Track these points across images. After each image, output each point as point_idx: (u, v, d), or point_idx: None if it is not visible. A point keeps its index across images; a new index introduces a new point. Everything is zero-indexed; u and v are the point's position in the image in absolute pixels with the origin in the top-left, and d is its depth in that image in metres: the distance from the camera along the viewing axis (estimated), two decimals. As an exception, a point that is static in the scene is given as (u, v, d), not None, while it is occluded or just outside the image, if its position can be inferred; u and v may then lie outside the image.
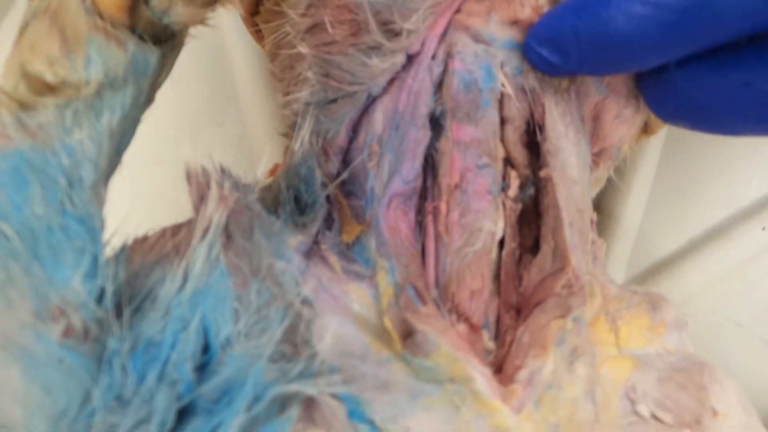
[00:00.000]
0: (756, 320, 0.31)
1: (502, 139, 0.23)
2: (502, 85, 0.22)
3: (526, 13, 0.23)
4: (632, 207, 0.32)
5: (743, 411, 0.22)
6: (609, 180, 0.32)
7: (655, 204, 0.33)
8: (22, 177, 0.16)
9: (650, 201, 0.33)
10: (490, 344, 0.21)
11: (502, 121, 0.23)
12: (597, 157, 0.26)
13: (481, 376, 0.19)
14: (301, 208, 0.23)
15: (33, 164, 0.16)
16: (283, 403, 0.17)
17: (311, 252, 0.22)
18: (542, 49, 0.22)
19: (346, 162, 0.24)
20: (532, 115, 0.23)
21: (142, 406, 0.15)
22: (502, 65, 0.23)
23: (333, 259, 0.22)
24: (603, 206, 0.33)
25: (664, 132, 0.33)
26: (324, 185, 0.23)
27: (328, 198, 0.23)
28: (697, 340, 0.31)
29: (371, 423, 0.18)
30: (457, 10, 0.23)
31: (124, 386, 0.15)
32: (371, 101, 0.23)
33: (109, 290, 0.16)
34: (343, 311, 0.20)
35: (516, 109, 0.23)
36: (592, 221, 0.25)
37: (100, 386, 0.15)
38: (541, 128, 0.23)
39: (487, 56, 0.23)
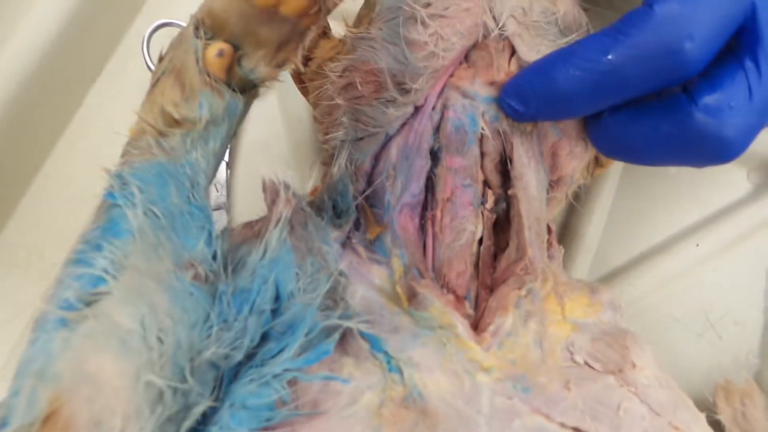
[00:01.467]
0: (691, 318, 0.39)
1: (482, 167, 0.31)
2: (482, 128, 0.31)
3: (501, 77, 0.32)
4: (594, 227, 0.40)
5: (658, 367, 0.30)
6: (573, 205, 0.41)
7: (613, 225, 0.41)
8: (164, 179, 0.25)
9: (608, 222, 0.41)
10: (471, 312, 0.29)
11: (482, 154, 0.31)
12: (555, 183, 0.34)
13: (461, 325, 0.27)
14: (337, 213, 0.31)
15: (169, 172, 0.25)
16: (328, 333, 0.25)
17: (345, 244, 0.30)
18: (510, 101, 0.30)
19: (370, 182, 0.33)
20: (504, 150, 0.32)
21: (239, 328, 0.24)
22: (483, 114, 0.32)
23: (360, 249, 0.30)
24: (570, 225, 0.41)
25: (620, 170, 0.42)
26: (354, 198, 0.31)
27: (357, 207, 0.32)
28: (644, 333, 0.39)
29: (386, 353, 0.26)
30: (451, 75, 0.32)
31: (228, 314, 0.24)
32: (389, 139, 0.32)
33: (219, 254, 0.25)
34: (367, 283, 0.29)
35: (492, 146, 0.31)
36: (550, 230, 0.33)
37: (214, 312, 0.24)
38: (510, 160, 0.31)
39: (472, 108, 0.31)
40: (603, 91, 0.28)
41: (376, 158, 0.33)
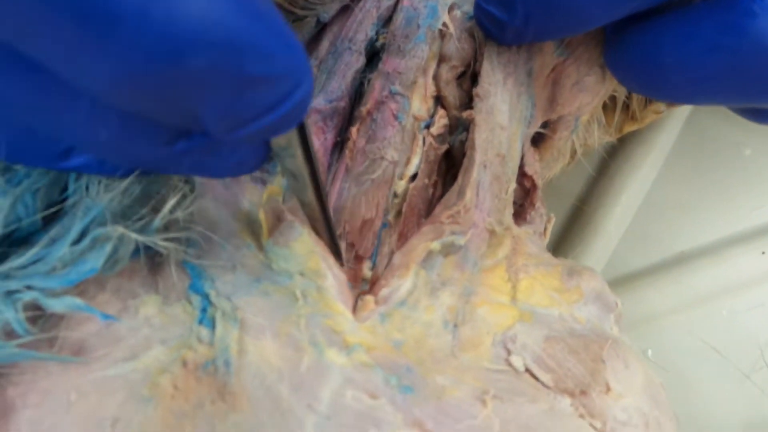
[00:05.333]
0: (737, 351, 0.28)
1: (436, 77, 0.22)
2: (444, 24, 0.22)
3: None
4: (621, 209, 0.30)
5: (648, 399, 0.20)
6: (600, 176, 0.31)
7: (649, 212, 0.30)
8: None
9: (643, 206, 0.30)
10: (368, 273, 0.20)
11: (440, 60, 0.22)
12: (554, 124, 0.24)
13: (334, 278, 0.18)
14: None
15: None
16: (105, 246, 0.17)
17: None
18: (489, 6, 0.21)
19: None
20: (476, 61, 0.22)
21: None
22: (452, 8, 0.22)
23: (243, 163, 0.22)
24: (589, 200, 0.31)
25: (671, 145, 0.31)
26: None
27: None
28: (665, 358, 0.28)
29: (206, 296, 0.17)
30: (419, -50, 0.23)
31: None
32: (320, 28, 0.24)
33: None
34: (228, 202, 0.20)
35: (455, 49, 0.22)
36: (534, 186, 0.24)
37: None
38: (478, 73, 0.22)
39: (438, -3, 0.22)
40: None
41: (303, 53, 0.24)
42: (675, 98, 0.22)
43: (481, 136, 0.21)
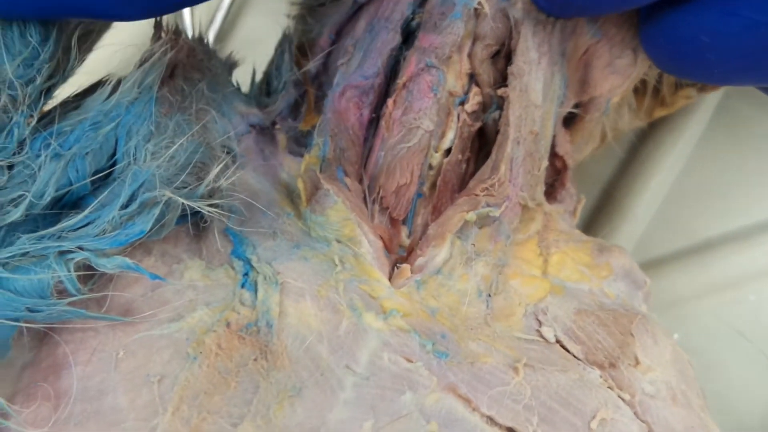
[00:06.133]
0: (764, 336, 0.28)
1: (470, 55, 0.23)
2: (479, 3, 0.23)
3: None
4: (651, 194, 0.30)
5: (676, 373, 0.20)
6: (626, 161, 0.31)
7: (677, 197, 0.31)
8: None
9: (672, 190, 0.30)
10: (407, 241, 0.21)
11: (475, 39, 0.23)
12: (586, 106, 0.25)
13: (369, 243, 0.19)
14: (270, 91, 0.24)
15: None
16: (154, 211, 0.17)
17: (265, 130, 0.22)
18: None
19: (327, 64, 0.25)
20: (509, 40, 0.23)
21: (26, 175, 0.17)
22: (490, -13, 0.23)
23: (282, 137, 0.22)
24: (619, 185, 0.31)
25: (701, 131, 0.31)
26: (295, 77, 0.24)
27: (305, 92, 0.24)
28: (692, 342, 0.29)
29: (247, 261, 0.18)
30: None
31: (17, 154, 0.17)
32: (358, 8, 0.24)
33: (39, 78, 0.18)
34: (268, 174, 0.21)
35: (491, 29, 0.22)
36: (566, 166, 0.24)
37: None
38: (513, 52, 0.22)
39: (474, -26, 0.23)
40: None
41: (338, 33, 0.25)
42: (710, 79, 0.22)
43: (515, 113, 0.21)
